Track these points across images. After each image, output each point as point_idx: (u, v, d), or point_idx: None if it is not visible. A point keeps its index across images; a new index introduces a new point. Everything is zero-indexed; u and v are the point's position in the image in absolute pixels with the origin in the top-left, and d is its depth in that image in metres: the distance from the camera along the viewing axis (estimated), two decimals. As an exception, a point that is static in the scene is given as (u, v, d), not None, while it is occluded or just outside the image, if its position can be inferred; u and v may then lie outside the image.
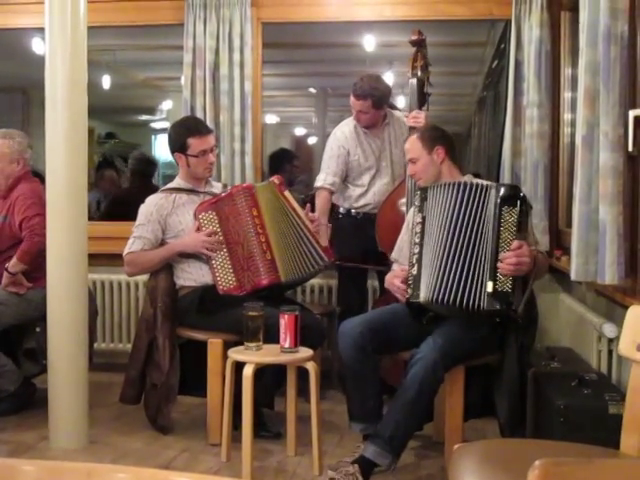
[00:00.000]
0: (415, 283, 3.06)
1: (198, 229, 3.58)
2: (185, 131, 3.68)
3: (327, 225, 3.93)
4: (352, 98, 4.06)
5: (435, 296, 2.97)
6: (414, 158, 3.34)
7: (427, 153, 3.31)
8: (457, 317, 3.05)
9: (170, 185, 3.81)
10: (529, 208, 3.04)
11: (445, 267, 2.98)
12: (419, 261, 3.07)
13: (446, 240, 3.01)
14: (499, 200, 2.95)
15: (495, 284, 2.90)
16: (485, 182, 3.13)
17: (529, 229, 3.06)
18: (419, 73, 3.95)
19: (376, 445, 2.94)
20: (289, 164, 6.17)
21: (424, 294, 3.01)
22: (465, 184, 3.05)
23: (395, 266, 3.40)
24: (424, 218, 3.12)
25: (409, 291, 3.08)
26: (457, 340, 2.99)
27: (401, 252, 3.37)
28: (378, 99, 4.02)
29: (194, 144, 3.63)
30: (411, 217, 3.30)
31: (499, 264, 2.89)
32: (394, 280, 3.21)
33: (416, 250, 3.10)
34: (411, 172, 3.41)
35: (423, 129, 3.47)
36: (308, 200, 4.10)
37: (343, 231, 4.11)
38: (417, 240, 3.11)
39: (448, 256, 2.99)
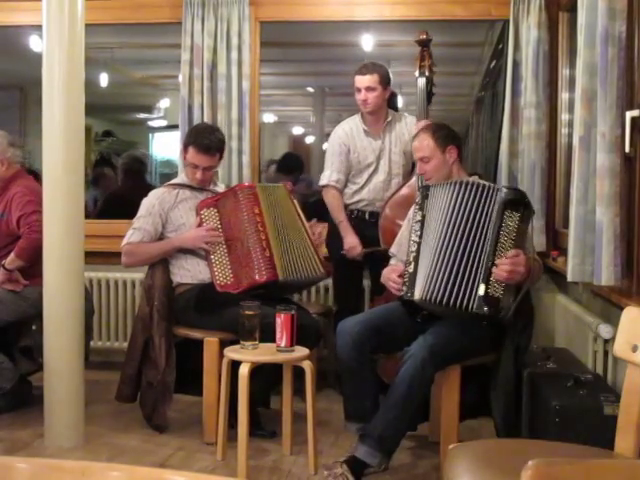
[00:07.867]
0: (410, 281, 3.06)
1: (199, 225, 3.60)
2: (192, 136, 3.71)
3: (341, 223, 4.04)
4: (357, 79, 4.02)
5: (429, 296, 2.97)
6: (426, 157, 3.27)
7: (440, 152, 3.27)
8: (450, 317, 3.05)
9: (175, 180, 3.86)
10: (532, 214, 3.01)
11: (441, 267, 2.97)
12: (416, 259, 3.08)
13: (444, 239, 3.00)
14: (502, 204, 2.92)
15: (487, 288, 2.89)
16: (488, 183, 3.09)
17: (529, 236, 3.01)
18: (427, 72, 3.95)
19: (366, 445, 2.94)
20: (298, 171, 6.17)
21: (418, 293, 3.01)
22: (468, 183, 3.03)
23: (393, 261, 3.39)
24: (424, 216, 3.11)
25: (404, 288, 3.09)
26: (448, 339, 2.99)
27: (400, 247, 3.36)
28: (384, 74, 4.01)
29: (190, 152, 3.67)
30: (411, 214, 3.30)
31: (494, 269, 2.88)
32: (391, 275, 3.22)
33: (414, 248, 3.10)
34: (421, 171, 3.33)
35: (434, 128, 3.38)
36: (312, 204, 4.11)
37: (337, 229, 4.10)
38: (415, 238, 3.11)
39: (445, 256, 2.98)
